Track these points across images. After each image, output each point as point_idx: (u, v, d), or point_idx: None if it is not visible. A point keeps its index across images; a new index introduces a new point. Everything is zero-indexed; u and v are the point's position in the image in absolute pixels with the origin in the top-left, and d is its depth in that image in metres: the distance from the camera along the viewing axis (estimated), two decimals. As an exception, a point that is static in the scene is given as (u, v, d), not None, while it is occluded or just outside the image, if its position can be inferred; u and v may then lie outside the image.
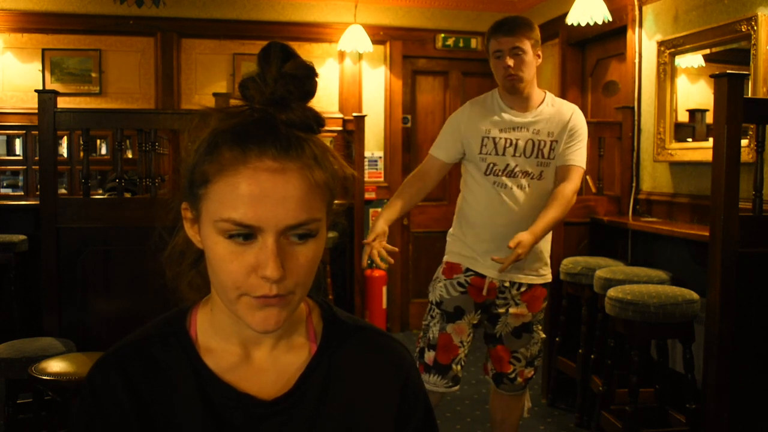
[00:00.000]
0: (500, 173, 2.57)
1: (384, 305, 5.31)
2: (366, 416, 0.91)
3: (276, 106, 0.80)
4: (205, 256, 0.83)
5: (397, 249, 2.58)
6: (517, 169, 2.56)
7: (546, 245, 2.65)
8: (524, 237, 2.39)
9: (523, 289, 2.61)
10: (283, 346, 0.90)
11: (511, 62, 2.51)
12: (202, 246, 0.84)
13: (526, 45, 2.52)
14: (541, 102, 2.60)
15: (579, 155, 2.58)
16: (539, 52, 2.58)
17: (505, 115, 2.59)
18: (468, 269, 2.62)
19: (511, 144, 2.56)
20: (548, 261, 2.68)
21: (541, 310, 2.67)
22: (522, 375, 2.67)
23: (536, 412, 3.86)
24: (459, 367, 2.64)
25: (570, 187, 2.54)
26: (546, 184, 2.58)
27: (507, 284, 2.60)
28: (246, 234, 0.78)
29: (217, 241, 0.79)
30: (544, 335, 2.72)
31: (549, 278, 2.68)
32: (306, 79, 0.82)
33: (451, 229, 2.76)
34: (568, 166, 2.56)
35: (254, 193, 0.77)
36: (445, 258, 2.71)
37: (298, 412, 0.87)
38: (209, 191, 0.79)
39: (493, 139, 2.57)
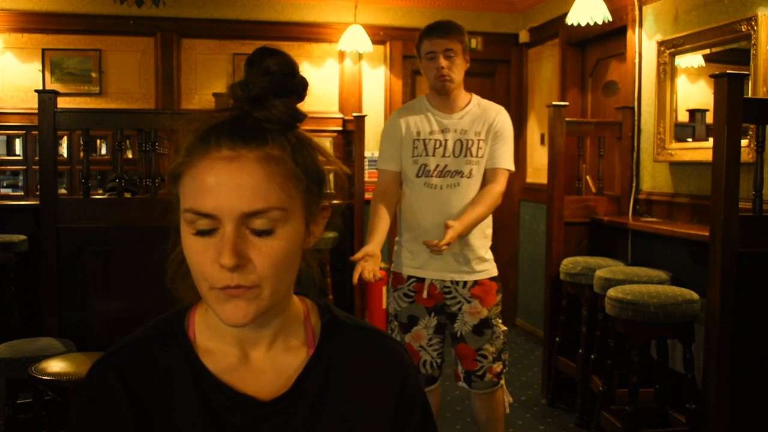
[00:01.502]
0: (431, 174, 2.65)
1: (384, 305, 5.30)
2: (365, 416, 0.91)
3: (251, 104, 0.81)
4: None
5: (384, 274, 2.65)
6: (447, 168, 2.64)
7: (479, 242, 2.68)
8: (454, 223, 2.50)
9: (469, 285, 2.65)
10: (280, 346, 0.90)
11: (444, 63, 2.59)
12: None
13: (458, 47, 2.62)
14: (468, 103, 2.69)
15: (505, 157, 2.65)
16: (468, 57, 2.67)
17: (433, 117, 2.67)
18: (410, 276, 2.70)
19: (440, 144, 2.64)
20: (486, 256, 2.70)
21: (495, 304, 2.69)
22: (491, 371, 2.67)
23: (536, 412, 3.86)
24: (430, 368, 2.70)
25: (498, 188, 2.63)
26: (476, 182, 2.65)
27: (449, 283, 2.65)
28: (208, 229, 0.79)
29: (187, 234, 0.81)
30: (504, 327, 2.73)
31: (493, 272, 2.70)
32: (286, 76, 0.82)
33: (396, 237, 2.82)
34: (494, 169, 2.64)
35: (210, 182, 0.78)
36: (392, 267, 2.79)
37: (297, 413, 0.87)
38: (180, 186, 0.82)
39: (423, 141, 2.66)
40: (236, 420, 0.86)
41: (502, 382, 2.74)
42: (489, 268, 2.69)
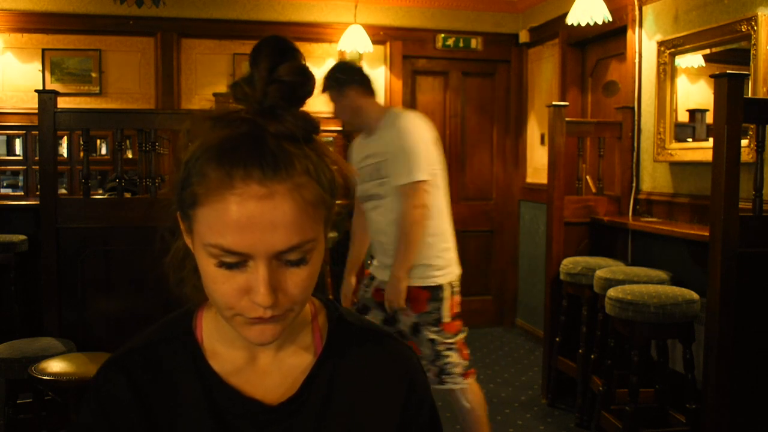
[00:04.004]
0: (362, 199, 2.87)
1: (384, 305, 5.30)
2: (371, 419, 0.90)
3: (265, 117, 0.76)
4: (200, 272, 0.81)
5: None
6: (368, 192, 2.82)
7: (427, 251, 2.70)
8: (388, 293, 2.69)
9: None
10: (288, 348, 0.90)
11: (334, 112, 2.82)
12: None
13: (330, 96, 2.80)
14: (378, 124, 2.77)
15: (400, 174, 2.65)
16: (346, 90, 2.76)
17: (361, 146, 2.86)
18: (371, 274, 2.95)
19: (363, 171, 2.83)
20: (431, 263, 2.71)
21: (425, 312, 2.70)
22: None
23: (536, 412, 3.86)
24: None
25: (405, 208, 2.64)
26: (392, 200, 2.71)
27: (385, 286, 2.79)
28: (235, 262, 0.75)
29: (208, 263, 0.77)
30: (439, 338, 2.70)
31: (430, 282, 2.70)
32: (299, 86, 0.78)
33: None
34: (399, 186, 2.67)
35: (241, 221, 0.73)
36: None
37: (304, 416, 0.87)
38: (198, 213, 0.76)
39: (359, 169, 2.85)
40: (243, 423, 0.85)
41: (453, 387, 2.73)
42: (424, 277, 2.70)
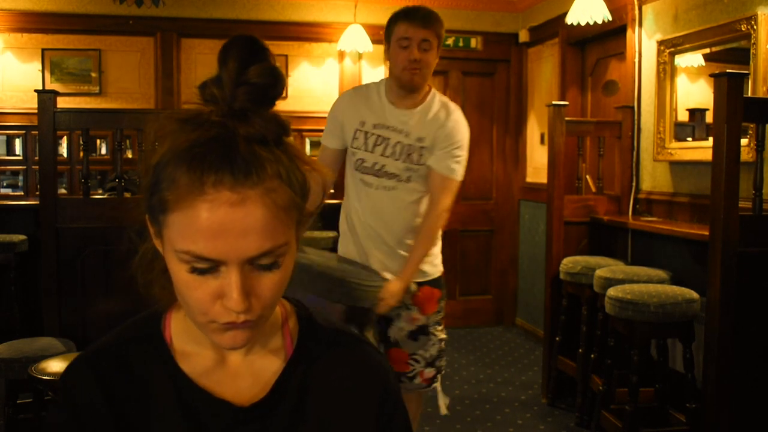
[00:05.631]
0: (368, 171, 2.45)
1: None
2: (343, 423, 0.89)
3: (235, 119, 0.75)
4: (171, 276, 0.80)
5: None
6: (384, 169, 2.43)
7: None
8: (392, 287, 2.31)
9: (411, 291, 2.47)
10: (258, 350, 0.89)
11: (418, 55, 2.37)
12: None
13: (435, 41, 2.42)
14: (422, 102, 2.46)
15: (456, 166, 2.43)
16: (439, 54, 2.48)
17: (383, 111, 2.45)
18: None
19: (381, 142, 2.43)
20: (433, 257, 2.53)
21: (436, 312, 2.54)
22: (422, 375, 2.54)
23: (536, 411, 3.86)
24: None
25: (441, 206, 2.42)
26: (414, 188, 2.45)
27: None
28: (207, 268, 0.75)
29: (180, 269, 0.76)
30: (444, 335, 2.57)
31: (434, 274, 2.53)
32: (269, 87, 0.77)
33: (340, 223, 2.62)
34: (444, 177, 2.42)
35: (213, 228, 0.72)
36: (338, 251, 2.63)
37: (275, 419, 0.86)
38: (168, 219, 0.75)
39: (365, 133, 2.44)
40: (213, 424, 0.84)
41: (437, 385, 2.62)
42: (428, 271, 2.51)
